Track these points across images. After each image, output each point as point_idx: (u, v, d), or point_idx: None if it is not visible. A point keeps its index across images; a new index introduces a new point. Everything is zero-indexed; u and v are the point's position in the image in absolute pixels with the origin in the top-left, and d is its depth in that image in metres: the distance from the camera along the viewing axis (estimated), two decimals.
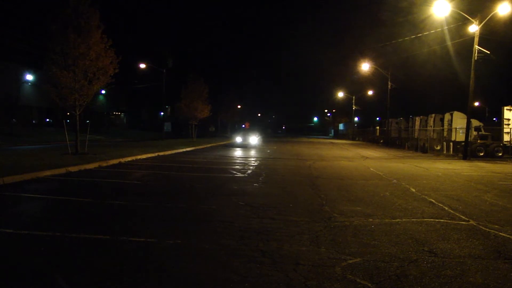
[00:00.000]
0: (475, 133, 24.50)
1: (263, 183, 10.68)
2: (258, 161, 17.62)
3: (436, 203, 8.19)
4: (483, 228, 6.21)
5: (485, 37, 21.19)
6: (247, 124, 70.75)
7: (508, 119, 23.34)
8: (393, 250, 4.98)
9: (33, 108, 48.26)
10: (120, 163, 14.82)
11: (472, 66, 21.06)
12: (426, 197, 8.91)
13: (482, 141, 24.17)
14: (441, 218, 6.80)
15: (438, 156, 24.41)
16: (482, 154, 23.36)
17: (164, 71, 40.05)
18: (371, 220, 6.57)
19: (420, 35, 26.46)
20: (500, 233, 5.89)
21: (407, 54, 39.72)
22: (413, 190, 9.93)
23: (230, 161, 17.85)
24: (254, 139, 29.86)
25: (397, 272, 4.21)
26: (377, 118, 66.83)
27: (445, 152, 26.32)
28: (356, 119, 69.79)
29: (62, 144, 20.50)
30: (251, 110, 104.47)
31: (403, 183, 11.12)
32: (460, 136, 24.49)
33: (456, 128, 25.35)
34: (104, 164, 13.83)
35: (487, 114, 62.41)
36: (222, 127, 70.77)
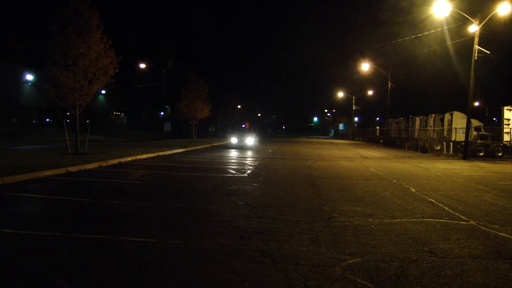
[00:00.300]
0: (475, 133, 24.50)
1: (263, 183, 10.67)
2: (258, 161, 17.62)
3: (436, 203, 8.19)
4: (483, 228, 6.21)
5: (485, 37, 21.21)
6: (247, 124, 70.70)
7: (508, 119, 23.35)
8: (393, 250, 4.98)
9: (33, 108, 48.27)
10: (120, 163, 14.82)
11: (472, 66, 21.06)
12: (426, 197, 8.91)
13: (482, 141, 24.17)
14: (441, 218, 6.80)
15: (438, 156, 24.41)
16: (482, 154, 23.37)
17: (164, 71, 40.04)
18: (371, 220, 6.57)
19: (420, 35, 26.48)
20: (500, 233, 5.89)
21: (407, 54, 39.77)
22: (413, 190, 9.93)
23: (230, 161, 17.85)
24: (250, 140, 28.56)
25: (397, 272, 4.21)
26: (377, 118, 66.80)
27: (445, 152, 26.31)
28: (356, 119, 69.80)
29: (62, 144, 20.50)
30: (251, 110, 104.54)
31: (403, 183, 11.12)
32: (460, 136, 24.49)
33: (456, 128, 25.35)
34: (104, 164, 13.83)
35: (487, 114, 62.39)
36: (222, 127, 70.75)
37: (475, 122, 24.80)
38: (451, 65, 44.11)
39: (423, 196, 9.05)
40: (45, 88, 16.22)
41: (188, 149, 24.69)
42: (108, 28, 16.26)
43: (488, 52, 20.63)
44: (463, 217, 6.92)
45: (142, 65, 41.42)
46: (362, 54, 52.62)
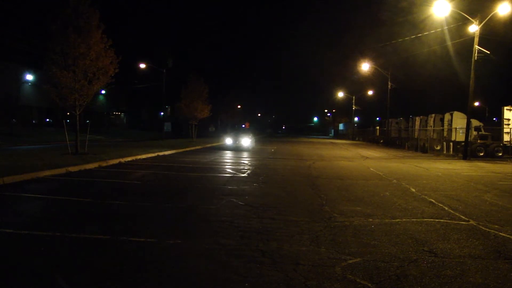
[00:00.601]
0: (475, 133, 24.50)
1: (263, 183, 10.67)
2: (258, 161, 17.62)
3: (436, 203, 8.19)
4: (483, 228, 6.21)
5: (485, 37, 21.21)
6: (247, 124, 70.67)
7: (508, 119, 23.34)
8: (393, 250, 4.98)
9: (33, 108, 48.26)
10: (120, 163, 14.82)
11: (472, 66, 21.06)
12: (426, 197, 8.91)
13: (482, 141, 24.17)
14: (441, 218, 6.80)
15: (438, 156, 24.41)
16: (482, 154, 23.37)
17: (164, 71, 40.03)
18: (371, 220, 6.57)
19: (420, 35, 26.48)
20: (500, 233, 5.90)
21: (407, 54, 39.75)
22: (413, 190, 9.93)
23: (230, 161, 17.85)
24: (246, 141, 26.63)
25: (397, 272, 4.21)
26: (377, 118, 66.85)
27: (445, 152, 26.31)
28: (356, 119, 69.80)
29: (62, 144, 20.49)
30: (251, 110, 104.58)
31: (403, 183, 11.12)
32: (460, 136, 24.49)
33: (456, 128, 25.35)
34: (104, 164, 13.83)
35: (487, 114, 62.41)
36: (222, 127, 70.79)
37: (475, 122, 24.80)
38: (451, 65, 44.14)
39: (423, 196, 9.05)
40: (45, 88, 16.21)
41: (188, 149, 24.69)
42: (108, 28, 16.26)
43: (488, 52, 20.63)
44: (463, 217, 6.92)
45: (142, 65, 41.42)
46: (362, 54, 52.68)
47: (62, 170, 11.49)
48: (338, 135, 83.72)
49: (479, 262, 4.61)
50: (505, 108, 23.52)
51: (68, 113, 20.15)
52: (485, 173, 14.85)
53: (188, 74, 38.31)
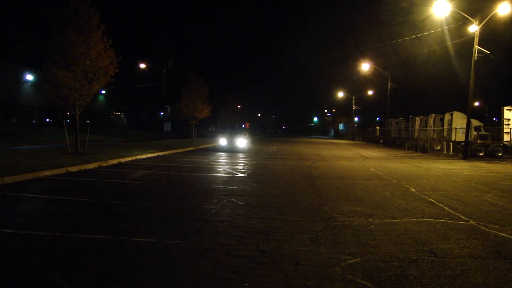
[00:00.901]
0: (475, 133, 24.50)
1: (263, 183, 10.67)
2: (258, 161, 17.62)
3: (436, 203, 8.19)
4: (483, 228, 6.21)
5: (485, 37, 21.21)
6: (247, 124, 70.62)
7: (508, 119, 23.35)
8: (393, 250, 4.98)
9: (33, 108, 48.27)
10: (120, 163, 14.82)
11: (472, 66, 21.06)
12: (426, 197, 8.91)
13: (482, 141, 24.17)
14: (441, 218, 6.80)
15: (438, 156, 24.41)
16: (482, 154, 23.37)
17: (164, 71, 40.06)
18: (371, 220, 6.57)
19: (420, 35, 26.45)
20: (500, 233, 5.90)
21: (407, 54, 39.70)
22: (413, 190, 9.93)
23: (230, 161, 17.84)
24: (242, 142, 24.88)
25: (397, 272, 4.21)
26: (377, 118, 66.85)
27: (445, 152, 26.31)
28: (356, 119, 69.80)
29: (62, 144, 20.49)
30: (251, 110, 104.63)
31: (403, 183, 11.12)
32: (460, 136, 24.50)
33: (456, 128, 25.35)
34: (104, 164, 13.83)
35: (487, 114, 62.43)
36: (222, 127, 70.80)
37: (475, 122, 24.80)
38: (451, 65, 44.16)
39: (423, 196, 9.05)
40: (45, 88, 16.21)
41: (188, 149, 24.69)
42: (108, 28, 16.27)
43: (488, 52, 20.63)
44: (463, 217, 6.92)
45: (142, 65, 41.45)
46: (362, 54, 52.73)
47: (62, 170, 11.49)
48: (338, 135, 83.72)
49: (479, 262, 4.61)
50: (505, 108, 23.52)
51: (68, 113, 20.15)
52: (485, 173, 14.85)
53: (188, 74, 38.34)
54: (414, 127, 32.28)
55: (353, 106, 60.81)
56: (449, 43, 26.48)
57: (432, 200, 8.48)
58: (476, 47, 20.56)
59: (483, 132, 25.17)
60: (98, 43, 15.68)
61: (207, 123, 52.00)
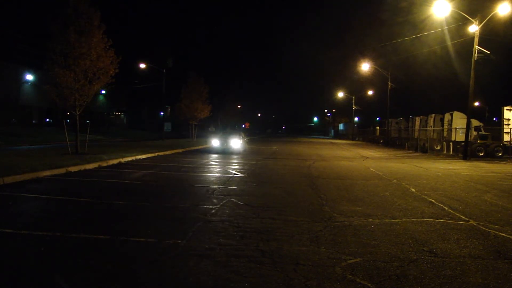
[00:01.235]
0: (475, 133, 24.51)
1: (263, 183, 10.67)
2: (258, 161, 17.62)
3: (436, 203, 8.19)
4: (483, 228, 6.21)
5: (485, 37, 21.21)
6: (247, 124, 70.64)
7: (508, 119, 23.36)
8: (393, 250, 4.98)
9: (33, 108, 48.26)
10: (120, 163, 14.82)
11: (472, 66, 21.06)
12: (426, 197, 8.91)
13: (482, 141, 24.18)
14: (441, 218, 6.80)
15: (438, 156, 24.41)
16: (482, 154, 23.37)
17: (164, 71, 40.02)
18: (371, 220, 6.57)
19: (420, 35, 26.47)
20: (500, 233, 5.90)
21: (407, 54, 39.75)
22: (413, 190, 9.93)
23: (230, 161, 17.85)
24: (236, 142, 22.73)
25: (397, 272, 4.21)
26: (377, 118, 66.93)
27: (445, 152, 26.32)
28: (356, 119, 69.82)
29: (62, 144, 20.49)
30: (251, 110, 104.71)
31: (403, 183, 11.12)
32: (460, 136, 24.50)
33: (456, 128, 25.35)
34: (104, 164, 13.83)
35: (487, 114, 62.40)
36: (222, 127, 70.80)
37: (475, 122, 24.81)
38: (451, 65, 44.18)
39: (423, 196, 9.05)
40: (45, 88, 16.21)
41: (188, 149, 24.69)
42: (108, 29, 16.28)
43: (488, 52, 20.63)
44: (463, 217, 6.92)
45: (142, 65, 41.38)
46: (362, 54, 52.71)
47: (62, 170, 11.49)
48: (338, 135, 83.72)
49: (479, 262, 4.61)
50: (505, 108, 23.53)
51: (68, 113, 20.19)
52: (485, 173, 14.85)
53: (188, 74, 38.37)
54: (414, 127, 32.29)
55: (353, 106, 60.81)
56: (449, 43, 26.52)
57: (432, 200, 8.48)
58: (476, 47, 20.57)
59: (483, 132, 25.17)
60: (99, 43, 15.69)
61: (207, 123, 52.01)
